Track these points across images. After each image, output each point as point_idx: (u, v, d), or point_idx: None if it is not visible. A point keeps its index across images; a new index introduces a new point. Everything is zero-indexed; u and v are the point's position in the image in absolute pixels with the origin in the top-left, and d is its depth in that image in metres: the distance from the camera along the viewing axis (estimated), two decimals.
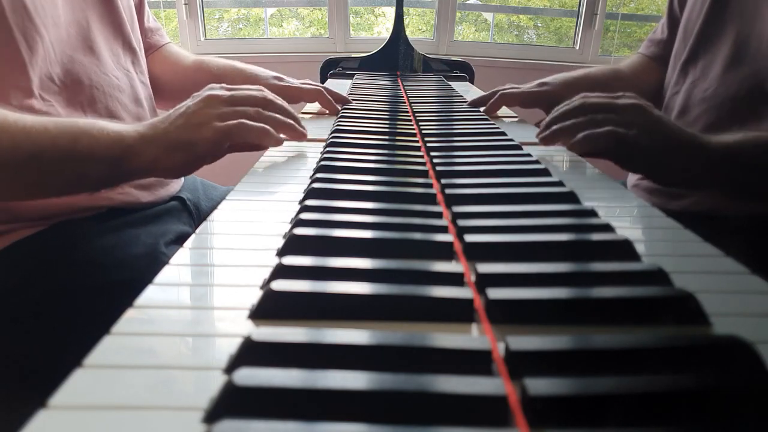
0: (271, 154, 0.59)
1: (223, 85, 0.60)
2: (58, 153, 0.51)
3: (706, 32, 0.76)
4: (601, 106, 0.58)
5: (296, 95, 0.84)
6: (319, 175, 0.47)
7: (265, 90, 0.61)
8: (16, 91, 0.57)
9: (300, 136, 0.61)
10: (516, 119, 0.85)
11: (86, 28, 0.67)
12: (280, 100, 0.61)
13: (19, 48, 0.56)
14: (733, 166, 0.57)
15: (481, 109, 0.84)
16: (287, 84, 0.85)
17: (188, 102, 0.57)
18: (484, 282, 0.29)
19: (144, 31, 0.85)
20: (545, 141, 0.60)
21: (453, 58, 1.43)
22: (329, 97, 0.84)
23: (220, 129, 0.54)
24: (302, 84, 0.86)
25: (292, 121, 0.60)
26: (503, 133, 0.67)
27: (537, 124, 0.68)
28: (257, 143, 0.57)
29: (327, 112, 0.84)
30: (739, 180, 0.59)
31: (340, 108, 0.84)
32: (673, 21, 0.88)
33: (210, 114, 0.55)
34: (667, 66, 0.87)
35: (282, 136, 0.59)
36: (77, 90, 0.64)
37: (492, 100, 0.83)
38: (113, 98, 0.69)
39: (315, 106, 0.87)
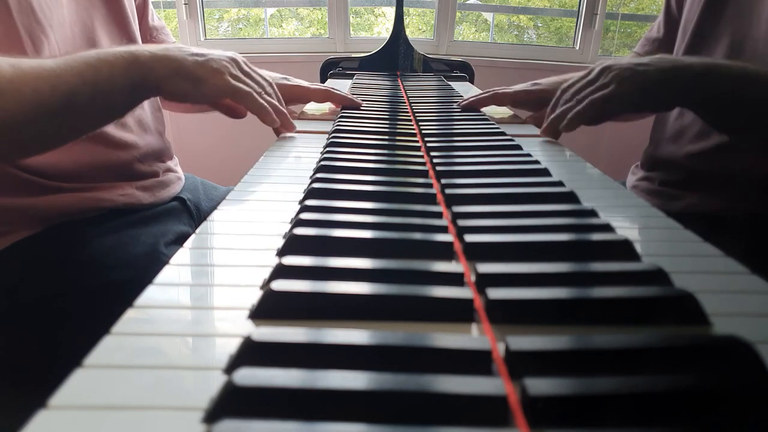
0: (272, 154, 0.59)
1: (245, 60, 0.66)
2: (88, 87, 0.51)
3: (701, 32, 0.76)
4: (578, 89, 0.64)
5: (304, 94, 0.84)
6: (319, 175, 0.47)
7: (273, 86, 0.68)
8: None
9: (290, 126, 0.67)
10: (510, 114, 0.85)
11: (90, 28, 0.67)
12: (278, 95, 0.68)
13: (25, 49, 0.56)
14: (714, 84, 0.60)
15: (466, 101, 0.84)
16: (295, 83, 0.85)
17: (210, 50, 0.62)
18: (484, 282, 0.29)
19: (149, 30, 0.85)
20: (551, 135, 0.67)
21: (453, 58, 1.43)
22: (340, 95, 0.84)
23: (231, 84, 0.60)
24: (310, 85, 0.86)
25: (286, 112, 0.66)
26: (503, 133, 0.67)
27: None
28: (255, 114, 0.63)
29: (335, 109, 0.84)
30: (720, 98, 0.61)
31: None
32: (670, 19, 0.87)
33: (228, 69, 0.61)
34: None
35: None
36: None
37: (482, 95, 0.84)
38: None
39: (315, 107, 0.87)
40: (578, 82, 0.65)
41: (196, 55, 0.59)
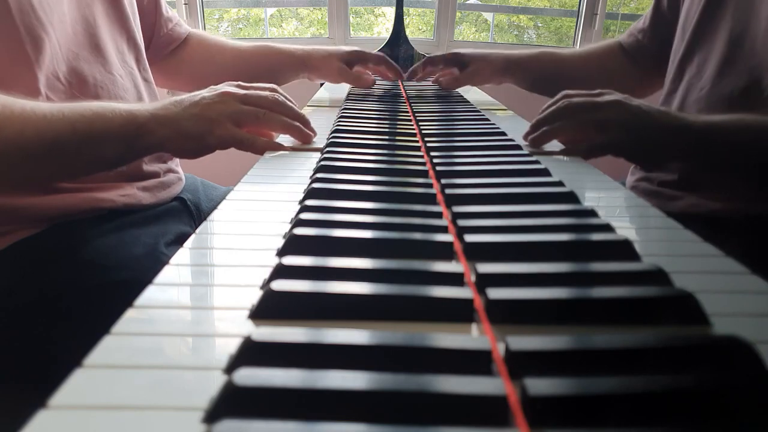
0: (272, 154, 0.59)
1: (240, 83, 0.63)
2: (77, 138, 0.53)
3: (702, 30, 0.76)
4: (583, 106, 0.61)
5: (362, 57, 0.97)
6: (319, 175, 0.47)
7: (278, 91, 0.64)
8: (22, 90, 0.56)
9: (306, 137, 0.63)
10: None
11: (93, 25, 0.67)
12: (290, 103, 0.64)
13: (25, 46, 0.56)
14: (713, 144, 0.60)
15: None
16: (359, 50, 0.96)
17: (204, 93, 0.60)
18: (484, 282, 0.29)
19: (164, 22, 0.85)
20: (534, 143, 0.63)
21: None
22: (390, 64, 0.99)
23: (230, 132, 0.58)
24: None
25: (298, 124, 0.63)
26: (503, 133, 0.67)
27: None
28: (261, 152, 0.60)
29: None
30: (719, 157, 0.62)
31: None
32: (658, 13, 0.90)
33: (224, 112, 0.58)
34: (636, 59, 0.93)
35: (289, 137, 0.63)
36: (82, 89, 0.64)
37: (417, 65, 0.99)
38: (117, 98, 0.69)
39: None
40: (584, 99, 0.62)
41: (191, 107, 0.57)
